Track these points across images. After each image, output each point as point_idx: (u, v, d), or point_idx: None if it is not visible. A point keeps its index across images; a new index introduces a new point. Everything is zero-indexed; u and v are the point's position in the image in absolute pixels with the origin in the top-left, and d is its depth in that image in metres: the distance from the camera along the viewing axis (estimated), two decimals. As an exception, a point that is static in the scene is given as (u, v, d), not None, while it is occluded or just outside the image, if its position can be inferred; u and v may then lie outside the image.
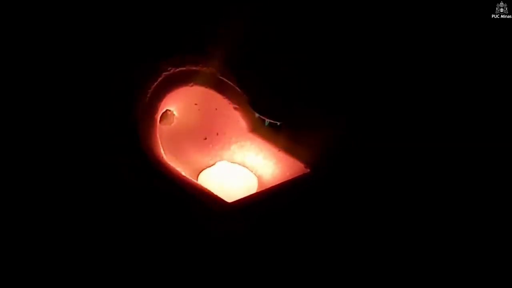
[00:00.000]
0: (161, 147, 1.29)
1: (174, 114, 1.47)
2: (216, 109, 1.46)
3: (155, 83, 1.30)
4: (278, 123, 1.45)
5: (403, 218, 1.27)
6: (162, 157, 1.27)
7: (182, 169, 1.34)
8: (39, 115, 1.20)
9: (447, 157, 1.33)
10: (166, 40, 1.33)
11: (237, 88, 1.43)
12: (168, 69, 1.32)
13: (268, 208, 1.21)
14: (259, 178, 1.46)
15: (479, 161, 1.32)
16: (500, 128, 1.33)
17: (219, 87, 1.42)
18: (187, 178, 1.24)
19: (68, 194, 1.17)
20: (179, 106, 1.46)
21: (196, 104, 1.46)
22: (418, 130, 1.34)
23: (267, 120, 1.47)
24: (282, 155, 1.41)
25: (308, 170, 1.33)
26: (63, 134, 1.20)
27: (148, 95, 1.28)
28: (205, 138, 1.50)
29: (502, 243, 1.27)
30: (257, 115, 1.44)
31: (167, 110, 1.44)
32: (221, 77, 1.41)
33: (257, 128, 1.47)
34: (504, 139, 1.32)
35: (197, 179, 1.44)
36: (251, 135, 1.46)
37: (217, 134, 1.50)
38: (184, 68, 1.35)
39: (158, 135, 1.30)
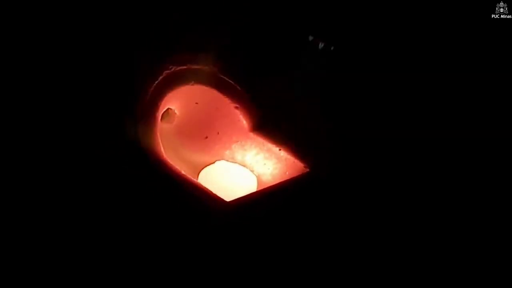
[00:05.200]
0: (161, 145, 1.30)
1: (175, 113, 1.48)
2: (217, 108, 1.46)
3: (156, 82, 1.30)
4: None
5: (402, 218, 1.27)
6: (162, 155, 1.28)
7: (182, 167, 1.34)
8: (38, 111, 1.20)
9: (448, 160, 1.32)
10: (167, 39, 1.33)
11: (238, 87, 1.43)
12: (169, 67, 1.32)
13: (266, 207, 1.21)
14: (259, 178, 1.46)
15: (478, 165, 1.32)
16: (500, 128, 1.33)
17: (220, 86, 1.42)
18: (186, 176, 1.25)
19: (67, 191, 1.17)
20: (180, 104, 1.46)
21: (197, 103, 1.47)
22: (419, 130, 1.33)
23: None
24: (282, 154, 1.41)
25: (308, 170, 1.33)
26: (63, 132, 1.20)
27: (149, 93, 1.29)
28: (206, 137, 1.51)
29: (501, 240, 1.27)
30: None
31: (168, 108, 1.45)
32: (222, 76, 1.41)
33: (257, 128, 1.47)
34: (504, 139, 1.32)
35: (197, 178, 1.45)
36: (251, 134, 1.46)
37: (218, 133, 1.50)
38: (185, 67, 1.36)
39: (158, 133, 1.31)
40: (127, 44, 1.28)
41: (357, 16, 1.35)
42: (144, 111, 1.27)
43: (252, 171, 1.47)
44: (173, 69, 1.33)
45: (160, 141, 1.30)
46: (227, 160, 1.49)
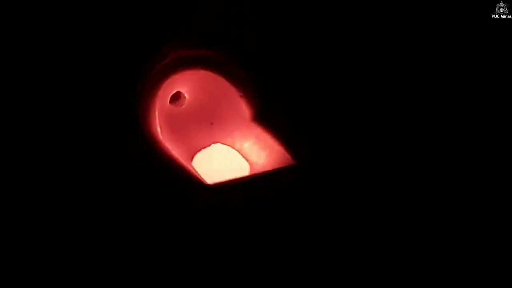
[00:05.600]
0: (158, 124, 1.34)
1: (185, 96, 1.52)
2: (224, 95, 1.48)
3: (161, 64, 1.34)
4: None
5: (390, 213, 1.27)
6: (157, 134, 1.32)
7: (182, 149, 1.38)
8: (36, 93, 1.24)
9: (442, 158, 1.28)
10: (176, 23, 1.36)
11: (245, 76, 1.44)
12: (178, 50, 1.37)
13: (244, 193, 1.23)
14: (252, 166, 1.47)
15: (475, 165, 1.28)
16: (500, 128, 1.28)
17: (228, 74, 1.43)
18: (175, 156, 1.28)
19: (59, 165, 1.22)
20: (190, 89, 1.50)
21: (206, 88, 1.50)
22: (412, 129, 1.31)
23: None
24: (275, 145, 1.41)
25: (294, 162, 1.32)
26: (58, 105, 1.25)
27: (153, 73, 1.33)
28: (212, 123, 1.54)
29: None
30: None
31: (179, 92, 1.50)
32: (230, 64, 1.43)
33: (259, 118, 1.47)
34: (503, 139, 1.27)
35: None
36: (253, 124, 1.47)
37: (223, 119, 1.53)
38: (193, 52, 1.39)
39: (156, 113, 1.34)
40: (134, 25, 1.32)
41: (357, 16, 1.32)
42: (144, 89, 1.31)
43: (247, 159, 1.49)
44: (179, 53, 1.37)
45: (157, 120, 1.35)
46: (224, 145, 1.52)
